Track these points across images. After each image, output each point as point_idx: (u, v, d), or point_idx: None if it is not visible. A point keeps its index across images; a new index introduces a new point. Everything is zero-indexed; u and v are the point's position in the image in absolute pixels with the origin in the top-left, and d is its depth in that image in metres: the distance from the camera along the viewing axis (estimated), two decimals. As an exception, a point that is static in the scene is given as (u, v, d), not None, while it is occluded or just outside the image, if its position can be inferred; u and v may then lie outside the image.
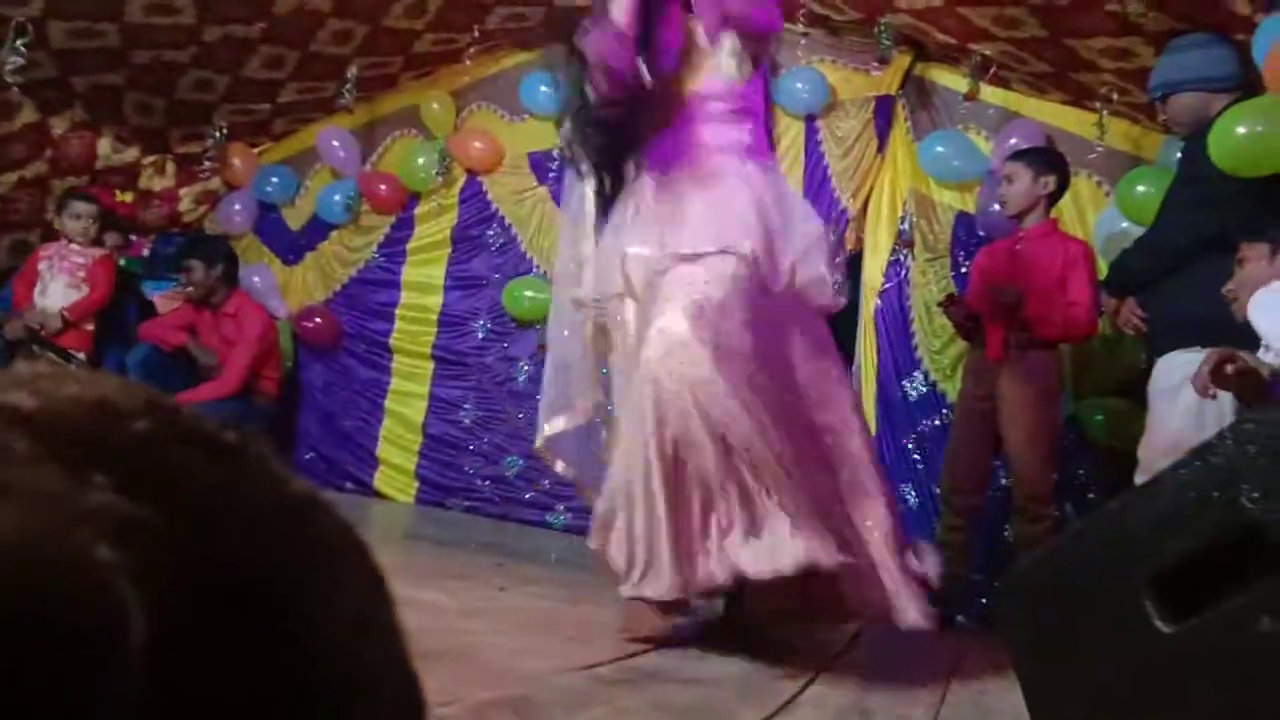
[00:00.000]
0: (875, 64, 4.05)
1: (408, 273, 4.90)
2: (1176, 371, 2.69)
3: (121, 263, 4.66)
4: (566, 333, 2.42)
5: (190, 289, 4.28)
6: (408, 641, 0.26)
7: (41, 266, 4.13)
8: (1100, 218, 3.65)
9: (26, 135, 4.49)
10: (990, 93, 3.91)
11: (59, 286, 4.09)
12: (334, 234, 5.05)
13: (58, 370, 0.26)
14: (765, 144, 2.25)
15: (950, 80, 4.03)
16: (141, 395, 0.25)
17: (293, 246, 5.14)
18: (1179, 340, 2.73)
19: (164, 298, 4.62)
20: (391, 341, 4.89)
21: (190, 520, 0.22)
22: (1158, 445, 2.70)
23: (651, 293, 2.03)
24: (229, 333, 4.22)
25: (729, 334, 1.92)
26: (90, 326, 4.11)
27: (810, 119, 4.24)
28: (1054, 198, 3.15)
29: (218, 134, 4.91)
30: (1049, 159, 3.17)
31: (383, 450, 4.85)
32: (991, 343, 3.04)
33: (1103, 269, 3.21)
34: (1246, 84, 2.80)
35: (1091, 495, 3.60)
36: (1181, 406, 2.63)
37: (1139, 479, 2.83)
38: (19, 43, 3.90)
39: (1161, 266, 2.82)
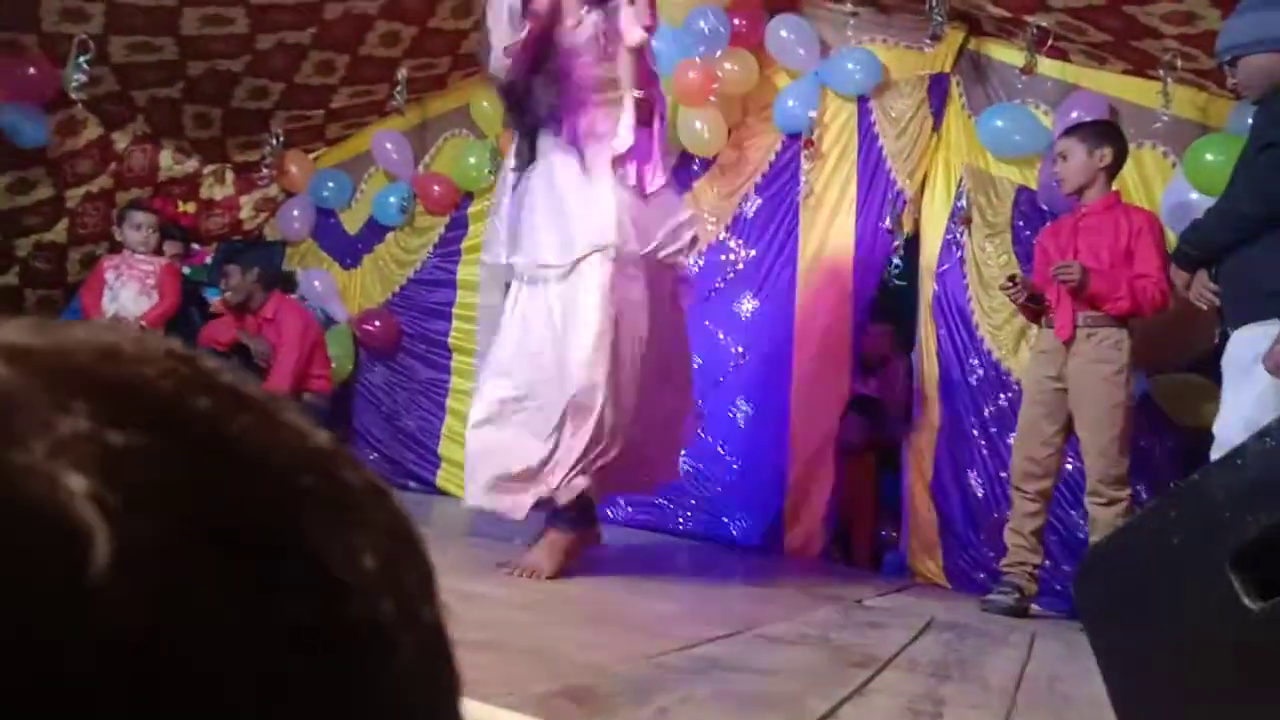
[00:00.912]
0: (927, 41, 3.96)
1: (463, 272, 4.93)
2: (1253, 346, 2.58)
3: (186, 271, 4.77)
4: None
5: (228, 294, 4.35)
6: (442, 612, 0.25)
7: (108, 276, 4.24)
8: (1167, 189, 3.52)
9: (92, 150, 4.62)
10: (1048, 65, 3.81)
11: (130, 294, 4.19)
12: (390, 236, 5.11)
13: (72, 321, 0.25)
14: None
15: (1006, 54, 3.93)
16: (160, 345, 0.24)
17: (350, 250, 5.21)
18: (1254, 313, 2.61)
19: (216, 304, 4.72)
20: (450, 340, 4.93)
21: (188, 460, 0.20)
22: (1234, 422, 2.60)
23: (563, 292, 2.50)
24: (270, 336, 4.30)
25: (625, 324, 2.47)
26: (160, 333, 4.21)
27: (863, 100, 4.17)
28: (1112, 170, 3.05)
29: (274, 141, 4.99)
30: (1103, 130, 3.08)
31: (444, 448, 4.89)
32: (1060, 322, 2.95)
33: (1171, 241, 3.10)
34: (1321, 43, 2.68)
35: (1166, 476, 3.49)
36: (1258, 381, 2.53)
37: (1216, 457, 2.73)
38: (82, 60, 4.00)
39: (1235, 236, 2.70)
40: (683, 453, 3.26)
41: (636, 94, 2.57)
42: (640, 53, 2.57)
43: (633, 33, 2.53)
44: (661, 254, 2.58)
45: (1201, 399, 3.25)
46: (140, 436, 0.20)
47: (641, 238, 2.53)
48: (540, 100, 2.56)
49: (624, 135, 2.53)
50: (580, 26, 2.54)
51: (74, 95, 4.11)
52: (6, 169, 4.35)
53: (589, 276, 2.46)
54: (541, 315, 2.51)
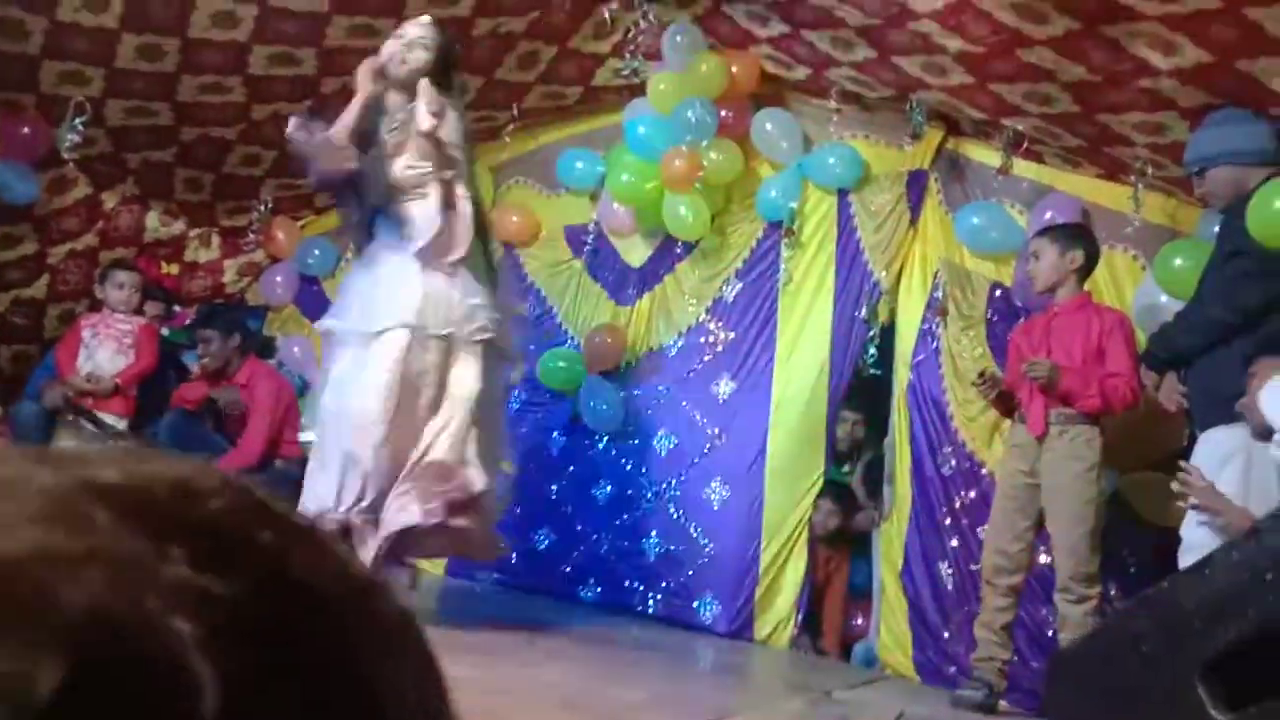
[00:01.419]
0: (907, 139, 4.09)
1: (443, 343, 4.94)
2: (1220, 447, 2.64)
3: (165, 333, 4.75)
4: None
5: (206, 360, 4.30)
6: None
7: (85, 334, 4.21)
8: (1138, 291, 3.61)
9: (79, 209, 4.65)
10: (1024, 167, 3.93)
11: (106, 354, 4.17)
12: (372, 305, 5.12)
13: (138, 449, 0.27)
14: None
15: (983, 155, 4.06)
16: (218, 476, 0.25)
17: (331, 317, 5.21)
18: (1222, 415, 2.68)
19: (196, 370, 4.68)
20: (426, 411, 4.91)
21: (259, 595, 0.22)
22: (1201, 525, 2.64)
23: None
24: (245, 402, 4.27)
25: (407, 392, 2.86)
26: (133, 394, 4.18)
27: (843, 193, 4.27)
28: (1084, 271, 3.13)
29: (263, 208, 5.03)
30: (1075, 233, 3.17)
31: (415, 520, 4.83)
32: (1033, 418, 3.00)
33: (1141, 342, 3.17)
34: (1283, 159, 2.80)
35: (1134, 574, 3.51)
36: (1226, 484, 2.57)
37: (1184, 558, 2.75)
38: (77, 121, 4.05)
39: (1203, 340, 2.78)
40: (496, 534, 3.43)
41: (444, 175, 3.00)
42: (436, 138, 2.95)
43: (422, 120, 2.91)
44: (463, 334, 2.96)
45: (1170, 499, 3.29)
46: (226, 579, 0.21)
47: (441, 319, 2.92)
48: (366, 194, 3.01)
49: (428, 222, 2.95)
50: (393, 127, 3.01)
51: (66, 155, 4.14)
52: (-8, 224, 4.36)
53: (387, 345, 2.84)
54: (348, 373, 2.90)
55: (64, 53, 3.83)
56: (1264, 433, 2.29)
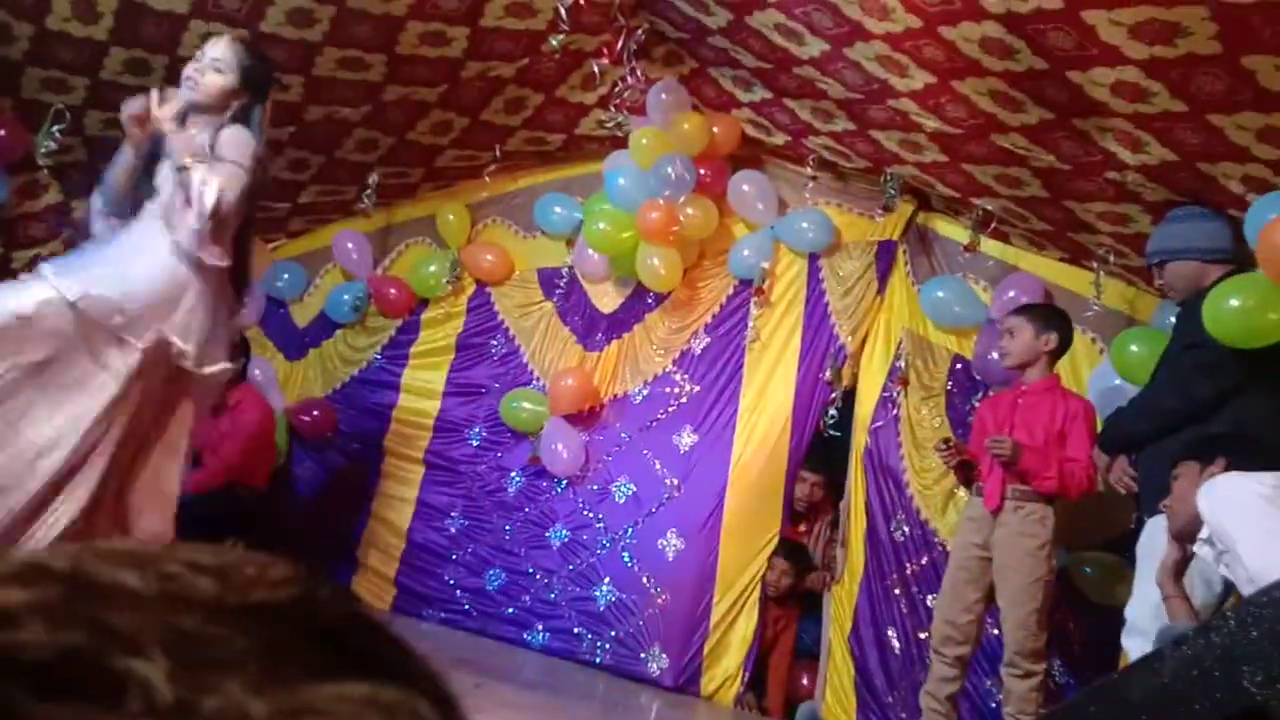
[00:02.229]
0: (879, 210, 4.19)
1: (408, 376, 4.93)
2: (1165, 534, 2.70)
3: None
4: None
5: None
6: None
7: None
8: (1094, 373, 3.72)
9: (47, 215, 4.58)
10: (990, 245, 4.04)
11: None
12: (339, 333, 5.11)
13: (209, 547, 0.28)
14: None
15: (951, 230, 4.17)
16: (283, 568, 0.27)
17: (297, 342, 5.18)
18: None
19: None
20: (385, 442, 4.89)
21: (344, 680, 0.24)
22: (1145, 608, 2.69)
23: None
24: (225, 424, 4.19)
25: None
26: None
27: (813, 257, 4.36)
28: (1056, 354, 3.22)
29: (235, 228, 5.00)
30: (1052, 316, 3.25)
31: (364, 552, 4.78)
32: (989, 491, 3.06)
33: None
34: (1239, 258, 2.92)
35: (1079, 651, 3.57)
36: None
37: (1126, 640, 2.81)
38: (56, 129, 4.02)
39: (1156, 428, 2.87)
40: None
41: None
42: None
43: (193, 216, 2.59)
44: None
45: (1116, 579, 3.37)
46: (313, 671, 0.23)
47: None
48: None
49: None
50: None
51: (41, 161, 4.10)
52: (-43, 224, 4.30)
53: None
54: None
55: (49, 60, 3.81)
56: (1186, 534, 2.36)
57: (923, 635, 3.63)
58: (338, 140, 4.54)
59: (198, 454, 4.16)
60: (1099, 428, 3.13)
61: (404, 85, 4.21)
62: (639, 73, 4.20)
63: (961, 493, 3.53)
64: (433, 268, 4.91)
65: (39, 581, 0.23)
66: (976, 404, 3.73)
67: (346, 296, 5.01)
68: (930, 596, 3.61)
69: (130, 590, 0.24)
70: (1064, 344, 3.22)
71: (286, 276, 5.22)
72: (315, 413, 4.89)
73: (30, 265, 4.61)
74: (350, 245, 5.05)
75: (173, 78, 3.94)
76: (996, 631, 3.28)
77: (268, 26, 3.75)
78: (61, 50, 3.75)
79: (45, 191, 4.51)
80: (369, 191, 4.79)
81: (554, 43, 3.87)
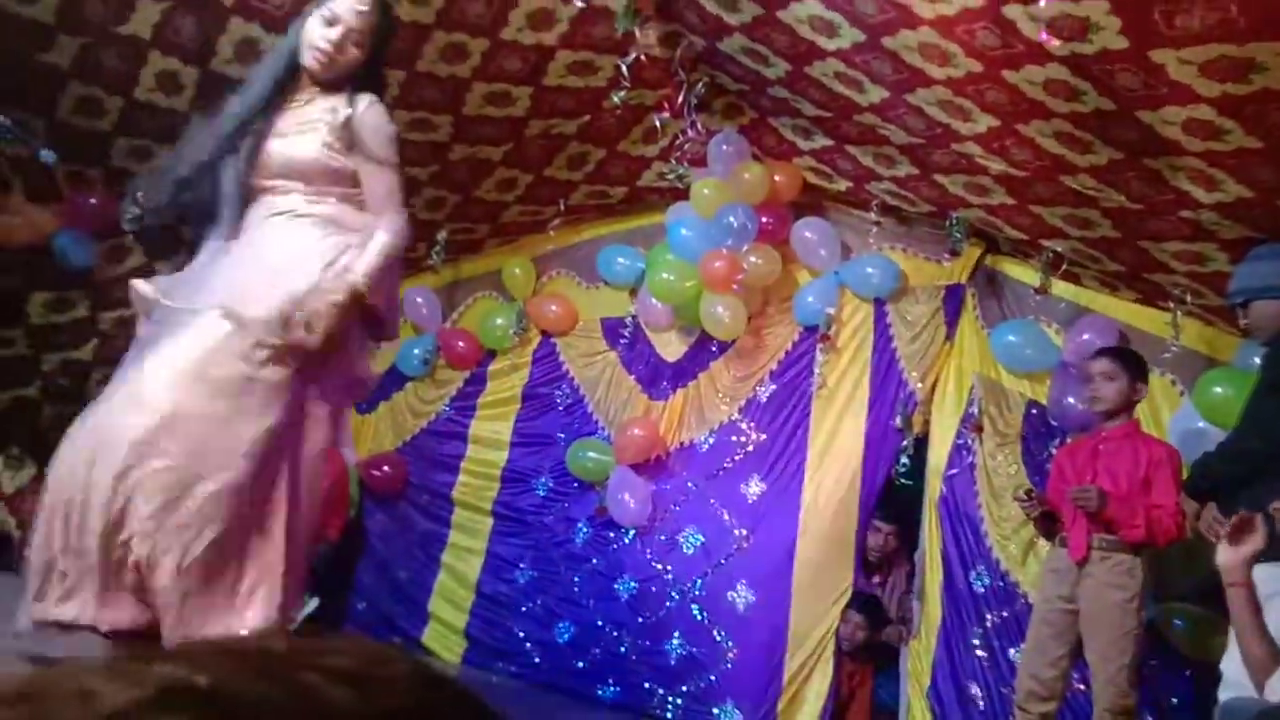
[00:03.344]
0: (946, 254, 4.15)
1: (476, 427, 4.99)
2: (1263, 586, 2.58)
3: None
4: None
5: None
6: None
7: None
8: (1175, 416, 3.60)
9: (133, 277, 4.77)
10: (1061, 287, 3.96)
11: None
12: (409, 385, 5.20)
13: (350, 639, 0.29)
14: None
15: (1021, 273, 4.10)
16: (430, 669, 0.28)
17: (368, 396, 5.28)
18: (1265, 551, 2.63)
19: None
20: (454, 494, 4.93)
21: None
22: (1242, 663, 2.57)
23: None
24: None
25: None
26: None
27: (879, 302, 4.32)
28: (1137, 403, 3.15)
29: (309, 286, 5.14)
30: (1142, 364, 3.19)
31: (435, 605, 4.81)
32: (1074, 543, 2.97)
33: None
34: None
35: (1171, 709, 3.41)
36: (1269, 620, 2.52)
37: (1223, 694, 2.68)
38: (140, 195, 4.19)
39: (1243, 472, 2.76)
40: None
41: None
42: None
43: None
44: None
45: (1209, 632, 3.22)
46: None
47: None
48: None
49: None
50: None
51: (126, 226, 4.28)
52: (50, 287, 4.49)
53: None
54: None
55: (135, 130, 3.99)
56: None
57: (1005, 690, 3.51)
58: (407, 199, 4.63)
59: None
60: (1185, 472, 3.02)
61: (470, 144, 4.32)
62: (699, 125, 4.24)
63: (1042, 543, 3.42)
64: (499, 320, 4.98)
65: (184, 706, 0.24)
66: (1054, 450, 3.64)
67: (416, 350, 5.10)
68: (1013, 650, 3.50)
69: (274, 708, 0.24)
70: (1145, 394, 3.16)
71: (358, 332, 5.34)
72: (386, 467, 4.97)
73: (116, 326, 4.80)
74: (420, 300, 5.16)
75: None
76: (1083, 686, 3.16)
77: (340, 92, 3.88)
78: (146, 120, 3.93)
79: (129, 255, 4.70)
80: (438, 248, 4.89)
81: (616, 99, 3.93)
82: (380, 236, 2.32)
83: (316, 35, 2.29)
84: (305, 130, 2.30)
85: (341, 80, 2.34)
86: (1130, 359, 3.18)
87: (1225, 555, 2.36)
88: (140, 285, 2.39)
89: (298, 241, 2.27)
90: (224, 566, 2.10)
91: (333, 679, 0.26)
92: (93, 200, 4.19)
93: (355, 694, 0.26)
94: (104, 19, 3.40)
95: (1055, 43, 2.56)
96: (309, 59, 2.30)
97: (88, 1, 3.31)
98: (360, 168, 2.33)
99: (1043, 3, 2.46)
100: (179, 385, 2.12)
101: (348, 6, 2.30)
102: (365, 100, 2.32)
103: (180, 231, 4.70)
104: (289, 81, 2.37)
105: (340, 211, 2.32)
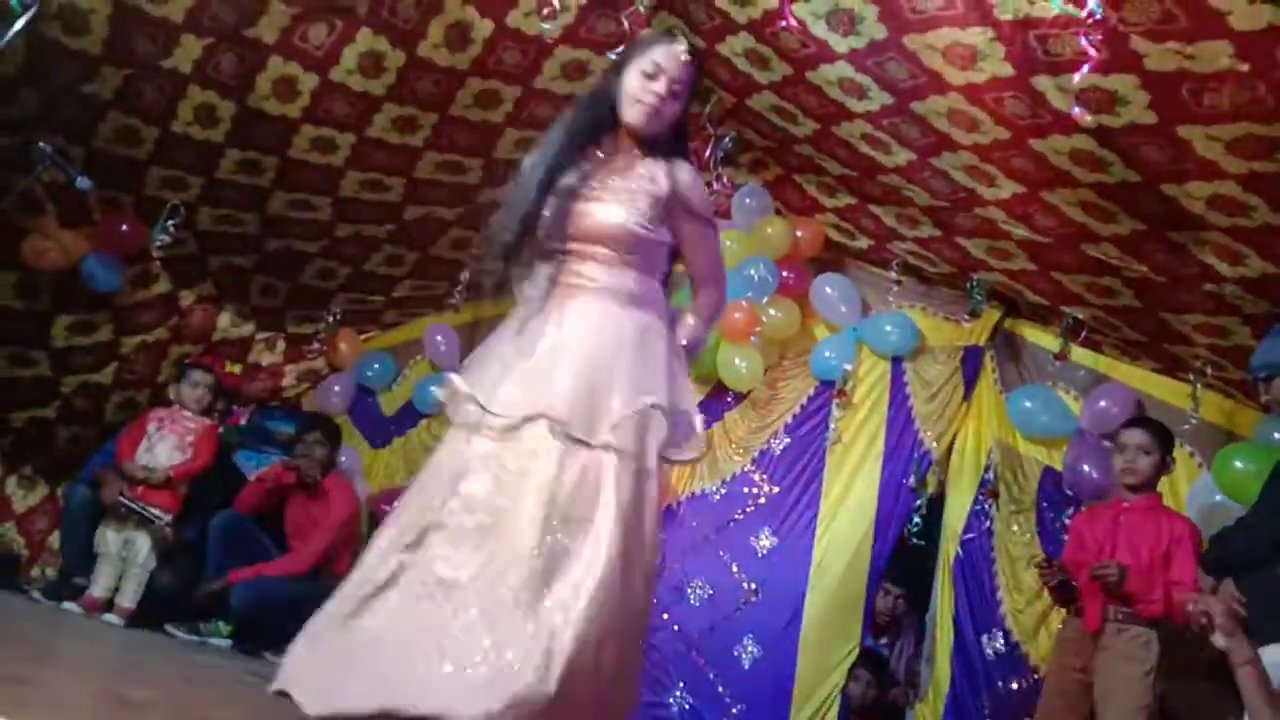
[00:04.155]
0: (965, 315, 4.16)
1: (489, 467, 4.97)
2: (1276, 669, 2.55)
3: (220, 430, 4.84)
4: None
5: (307, 464, 4.31)
6: None
7: (150, 427, 4.30)
8: (1193, 489, 3.58)
9: (157, 304, 4.82)
10: (1081, 354, 3.96)
11: (165, 448, 4.24)
12: (424, 423, 5.21)
13: None
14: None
15: (1040, 338, 4.10)
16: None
17: (383, 431, 5.30)
18: (1278, 631, 2.60)
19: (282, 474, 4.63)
20: (462, 534, 4.90)
21: None
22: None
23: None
24: (316, 511, 4.28)
25: None
26: (182, 490, 4.23)
27: (897, 360, 4.32)
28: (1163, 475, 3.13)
29: (331, 319, 5.19)
30: (1172, 439, 3.17)
31: (438, 644, 4.76)
32: (1090, 614, 2.94)
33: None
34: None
35: (1183, 786, 3.35)
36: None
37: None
38: (170, 223, 4.26)
39: (1264, 551, 2.74)
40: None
41: None
42: None
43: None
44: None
45: (1219, 710, 3.17)
46: None
47: None
48: None
49: None
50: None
51: (155, 253, 4.34)
52: (74, 310, 4.54)
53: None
54: None
55: (170, 160, 4.05)
56: None
57: (1013, 760, 3.46)
58: (434, 238, 4.71)
59: (288, 540, 4.26)
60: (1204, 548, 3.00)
61: (498, 187, 4.37)
62: (725, 179, 4.29)
63: (1056, 615, 3.38)
64: (517, 362, 4.99)
65: None
66: (1067, 520, 3.61)
67: (434, 388, 5.11)
68: (1023, 718, 3.45)
69: None
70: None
71: (377, 366, 5.37)
72: (397, 503, 4.95)
73: (136, 350, 4.84)
74: (439, 338, 5.18)
75: (281, 178, 4.17)
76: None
77: (373, 132, 3.95)
78: (181, 152, 4.00)
79: (155, 281, 4.75)
80: (460, 287, 4.93)
81: (644, 149, 3.98)
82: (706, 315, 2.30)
83: (639, 88, 2.16)
84: (621, 196, 2.14)
85: (658, 136, 2.21)
86: (1163, 432, 3.17)
87: (1225, 640, 2.34)
88: (457, 382, 2.16)
89: (611, 329, 2.09)
90: None
91: None
92: (124, 226, 4.25)
93: None
94: (149, 53, 3.47)
95: (1088, 118, 2.59)
96: (633, 114, 2.17)
97: (136, 36, 3.39)
98: (686, 237, 2.22)
99: (1076, 78, 2.49)
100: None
101: (670, 56, 2.17)
102: (685, 169, 2.21)
103: (206, 261, 4.75)
104: (597, 138, 2.23)
105: (640, 285, 2.15)
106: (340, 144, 4.01)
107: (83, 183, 3.74)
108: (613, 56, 2.31)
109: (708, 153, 4.14)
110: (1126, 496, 3.09)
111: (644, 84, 2.16)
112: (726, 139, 4.14)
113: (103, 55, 3.44)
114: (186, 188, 4.22)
